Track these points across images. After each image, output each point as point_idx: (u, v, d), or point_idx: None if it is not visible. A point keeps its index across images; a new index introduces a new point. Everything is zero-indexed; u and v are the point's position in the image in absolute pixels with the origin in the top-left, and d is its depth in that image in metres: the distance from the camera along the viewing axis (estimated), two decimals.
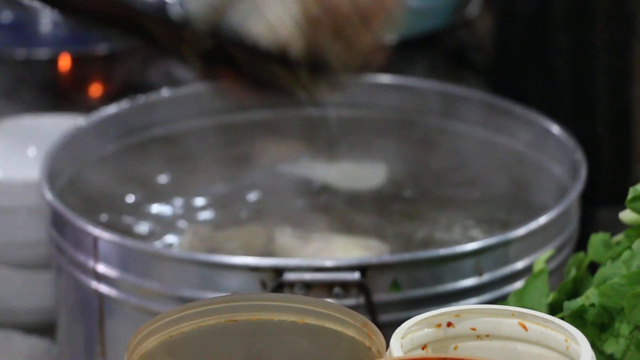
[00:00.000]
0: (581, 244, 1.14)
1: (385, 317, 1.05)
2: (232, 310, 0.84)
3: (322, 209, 1.23)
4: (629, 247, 0.98)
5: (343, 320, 0.84)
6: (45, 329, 1.30)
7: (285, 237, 1.15)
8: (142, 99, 1.35)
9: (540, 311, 0.87)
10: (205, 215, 1.23)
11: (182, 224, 1.21)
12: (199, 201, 1.25)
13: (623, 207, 1.04)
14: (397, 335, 0.82)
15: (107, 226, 1.14)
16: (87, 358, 1.14)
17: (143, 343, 0.81)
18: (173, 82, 1.70)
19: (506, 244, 1.09)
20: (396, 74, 1.43)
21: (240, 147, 1.34)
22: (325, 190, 1.27)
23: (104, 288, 1.10)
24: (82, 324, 1.14)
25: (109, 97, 1.59)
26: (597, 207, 1.42)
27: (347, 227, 1.19)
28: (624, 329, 0.92)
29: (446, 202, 1.23)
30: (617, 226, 1.04)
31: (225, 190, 1.26)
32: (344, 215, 1.22)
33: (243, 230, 1.17)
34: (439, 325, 0.84)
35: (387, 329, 0.84)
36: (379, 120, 1.38)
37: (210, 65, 1.10)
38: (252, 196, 1.25)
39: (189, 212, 1.23)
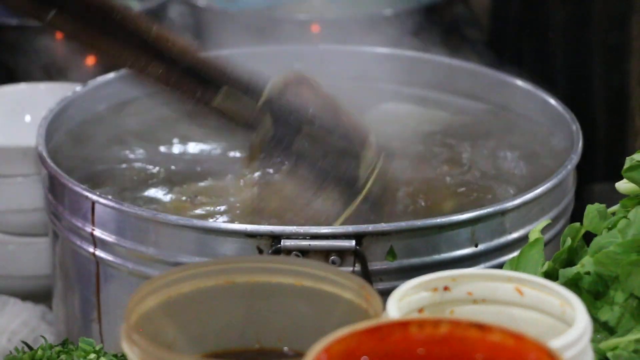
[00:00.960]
0: (576, 218, 1.15)
1: (381, 286, 1.06)
2: (230, 272, 0.84)
3: None
4: (625, 217, 0.98)
5: (340, 283, 0.84)
6: (41, 295, 1.31)
7: None
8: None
9: None
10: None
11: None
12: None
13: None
14: (394, 298, 0.82)
15: (104, 192, 1.14)
16: (83, 323, 1.14)
17: (142, 303, 0.81)
18: None
19: (502, 213, 1.09)
20: (393, 46, 1.43)
21: None
22: None
23: (100, 253, 1.10)
24: (78, 289, 1.14)
25: (105, 68, 1.58)
26: (593, 182, 1.43)
27: None
28: (619, 296, 0.93)
29: (440, 176, 1.23)
30: (612, 202, 1.05)
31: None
32: None
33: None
34: (436, 289, 0.85)
35: (383, 297, 0.85)
36: (375, 90, 1.38)
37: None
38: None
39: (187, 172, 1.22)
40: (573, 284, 0.94)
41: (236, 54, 1.39)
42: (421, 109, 1.32)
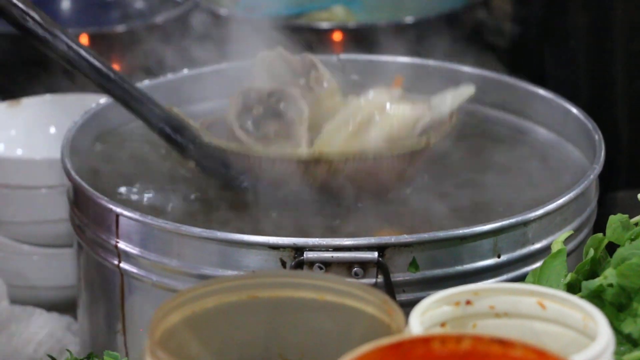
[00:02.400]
0: (598, 227, 1.15)
1: (403, 297, 1.06)
2: (253, 287, 0.85)
3: None
4: None
5: (363, 297, 0.84)
6: (65, 306, 1.31)
7: None
8: (163, 77, 1.35)
9: None
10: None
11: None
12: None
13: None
14: (416, 313, 0.83)
15: (128, 204, 1.15)
16: (108, 334, 1.15)
17: (166, 318, 0.81)
18: (190, 61, 1.70)
19: (524, 224, 1.09)
20: (414, 55, 1.43)
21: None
22: None
23: (125, 265, 1.11)
24: (103, 301, 1.15)
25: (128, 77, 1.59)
26: (615, 190, 1.42)
27: None
28: None
29: (466, 183, 1.23)
30: (635, 210, 1.05)
31: None
32: None
33: None
34: (458, 303, 0.85)
35: (406, 309, 0.85)
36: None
37: None
38: None
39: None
40: (596, 296, 0.94)
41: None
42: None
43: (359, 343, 0.77)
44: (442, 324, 0.84)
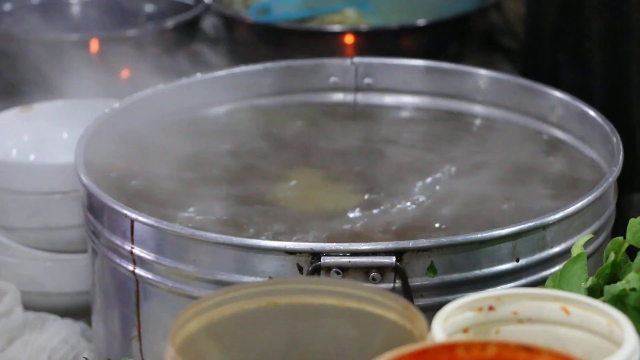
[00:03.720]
0: (616, 229, 1.14)
1: (422, 302, 1.05)
2: (273, 293, 0.84)
3: None
4: None
5: (384, 303, 0.84)
6: (79, 312, 1.31)
7: None
8: (174, 82, 1.35)
9: None
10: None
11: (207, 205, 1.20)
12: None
13: None
14: (439, 319, 0.82)
15: (143, 210, 1.14)
16: (123, 341, 1.14)
17: (185, 326, 0.81)
18: (202, 66, 1.70)
19: (543, 227, 1.08)
20: (427, 58, 1.42)
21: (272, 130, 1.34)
22: None
23: (140, 271, 1.10)
24: (118, 307, 1.14)
25: (138, 81, 1.59)
26: (632, 192, 1.41)
27: None
28: None
29: (480, 187, 1.22)
30: None
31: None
32: None
33: None
34: (481, 309, 0.84)
35: (424, 313, 0.84)
36: (412, 105, 1.38)
37: None
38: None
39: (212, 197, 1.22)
40: (618, 301, 0.93)
41: (270, 67, 1.39)
42: None
43: (380, 350, 0.76)
44: (465, 330, 0.83)
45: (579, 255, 1.00)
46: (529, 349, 0.73)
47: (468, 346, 0.73)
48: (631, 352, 0.78)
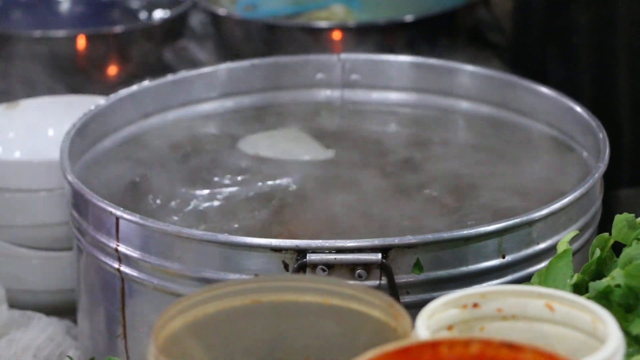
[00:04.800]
0: (602, 225, 1.14)
1: (407, 299, 1.05)
2: (257, 291, 0.84)
3: None
4: None
5: (368, 301, 0.83)
6: (65, 310, 1.30)
7: None
8: (161, 78, 1.34)
9: None
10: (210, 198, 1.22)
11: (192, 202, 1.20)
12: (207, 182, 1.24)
13: None
14: (423, 316, 0.81)
15: (128, 207, 1.14)
16: (108, 338, 1.14)
17: (169, 324, 0.80)
18: (189, 62, 1.69)
19: (529, 224, 1.08)
20: (415, 54, 1.42)
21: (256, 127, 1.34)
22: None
23: (125, 269, 1.10)
24: (103, 305, 1.14)
25: (125, 78, 1.58)
26: (618, 188, 1.41)
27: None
28: None
29: (466, 183, 1.22)
30: (639, 208, 1.04)
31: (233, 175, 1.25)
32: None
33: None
34: (465, 306, 0.84)
35: (410, 310, 0.84)
36: (397, 100, 1.38)
37: None
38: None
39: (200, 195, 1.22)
40: (603, 297, 0.93)
41: (257, 63, 1.39)
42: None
43: (365, 347, 0.76)
44: (449, 327, 0.83)
45: (564, 252, 1.00)
46: (512, 347, 0.73)
47: (451, 344, 0.73)
48: (615, 348, 0.78)
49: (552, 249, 1.08)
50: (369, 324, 0.83)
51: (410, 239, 1.05)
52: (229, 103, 1.37)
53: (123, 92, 1.31)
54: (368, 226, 1.14)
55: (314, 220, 1.15)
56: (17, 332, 1.25)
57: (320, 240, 1.04)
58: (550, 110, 1.29)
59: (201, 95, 1.36)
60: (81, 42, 1.59)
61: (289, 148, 1.29)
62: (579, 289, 0.98)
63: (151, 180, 1.22)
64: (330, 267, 1.03)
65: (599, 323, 0.82)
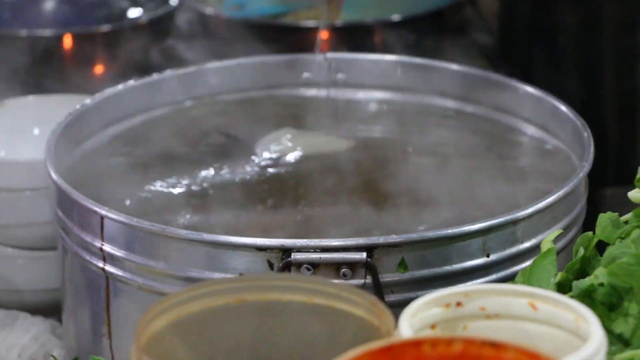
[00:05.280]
0: (587, 224, 1.14)
1: (392, 298, 1.05)
2: (241, 290, 0.84)
3: None
4: (638, 227, 0.97)
5: (352, 300, 0.84)
6: (50, 309, 1.30)
7: None
8: (147, 78, 1.34)
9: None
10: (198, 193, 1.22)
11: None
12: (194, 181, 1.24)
13: (629, 188, 1.04)
14: (406, 315, 0.82)
15: (112, 206, 1.14)
16: (93, 338, 1.14)
17: (152, 323, 0.80)
18: (175, 62, 1.69)
19: (513, 222, 1.08)
20: (402, 53, 1.42)
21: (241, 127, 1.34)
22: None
23: (110, 268, 1.10)
24: (88, 304, 1.14)
25: (111, 77, 1.58)
26: (603, 187, 1.42)
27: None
28: (633, 308, 0.92)
29: (452, 180, 1.23)
30: (623, 207, 1.04)
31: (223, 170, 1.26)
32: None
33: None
34: (448, 305, 0.84)
35: (395, 309, 0.84)
36: (383, 99, 1.38)
37: None
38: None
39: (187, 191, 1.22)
40: (587, 296, 0.93)
41: (244, 63, 1.39)
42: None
43: (348, 346, 0.76)
44: (433, 326, 0.83)
45: (548, 251, 1.00)
46: (494, 345, 0.73)
47: (434, 342, 0.73)
48: (597, 347, 0.78)
49: (536, 247, 1.08)
50: (352, 322, 0.83)
51: (395, 238, 1.05)
52: (215, 102, 1.37)
53: (108, 91, 1.31)
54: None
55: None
56: (2, 331, 1.25)
57: (305, 240, 1.04)
58: (535, 109, 1.30)
59: (187, 94, 1.36)
60: (68, 41, 1.59)
61: (311, 143, 1.30)
62: (563, 287, 0.98)
63: (134, 179, 1.22)
64: (315, 266, 1.03)
65: (581, 322, 0.82)
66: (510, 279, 1.06)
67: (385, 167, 1.25)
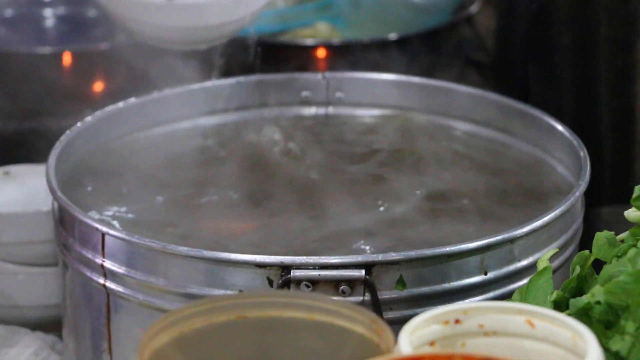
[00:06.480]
0: (584, 243, 1.15)
1: (390, 315, 1.06)
2: (242, 307, 0.84)
3: None
4: (634, 245, 0.98)
5: (352, 317, 0.84)
6: (50, 325, 1.31)
7: None
8: (147, 95, 1.35)
9: None
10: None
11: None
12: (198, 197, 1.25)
13: (625, 206, 1.05)
14: (405, 332, 0.82)
15: (113, 224, 1.15)
16: (94, 354, 1.14)
17: (154, 339, 0.81)
18: (175, 79, 1.70)
19: (511, 241, 1.09)
20: (398, 71, 1.43)
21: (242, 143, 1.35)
22: None
23: (111, 285, 1.11)
24: (88, 320, 1.14)
25: (111, 95, 1.59)
26: (600, 206, 1.43)
27: None
28: (630, 326, 0.93)
29: (450, 199, 1.23)
30: (619, 225, 1.05)
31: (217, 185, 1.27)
32: None
33: None
34: (447, 322, 0.85)
35: (393, 327, 0.85)
36: (380, 117, 1.39)
37: None
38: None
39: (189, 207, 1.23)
40: (584, 314, 0.94)
41: (242, 81, 1.40)
42: None
43: None
44: (431, 343, 0.84)
45: (544, 269, 1.01)
46: None
47: (433, 359, 0.74)
48: None
49: (533, 266, 1.09)
50: (352, 339, 0.83)
51: (393, 255, 1.06)
52: (214, 120, 1.38)
53: (109, 109, 1.32)
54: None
55: None
56: (3, 347, 1.25)
57: (304, 257, 1.05)
58: (532, 128, 1.31)
59: (186, 112, 1.37)
60: (67, 58, 1.60)
61: None
62: (560, 305, 0.99)
63: (135, 195, 1.23)
64: (314, 283, 1.04)
65: (578, 339, 0.83)
66: (507, 296, 1.07)
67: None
